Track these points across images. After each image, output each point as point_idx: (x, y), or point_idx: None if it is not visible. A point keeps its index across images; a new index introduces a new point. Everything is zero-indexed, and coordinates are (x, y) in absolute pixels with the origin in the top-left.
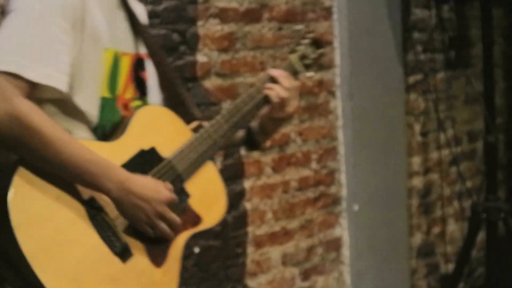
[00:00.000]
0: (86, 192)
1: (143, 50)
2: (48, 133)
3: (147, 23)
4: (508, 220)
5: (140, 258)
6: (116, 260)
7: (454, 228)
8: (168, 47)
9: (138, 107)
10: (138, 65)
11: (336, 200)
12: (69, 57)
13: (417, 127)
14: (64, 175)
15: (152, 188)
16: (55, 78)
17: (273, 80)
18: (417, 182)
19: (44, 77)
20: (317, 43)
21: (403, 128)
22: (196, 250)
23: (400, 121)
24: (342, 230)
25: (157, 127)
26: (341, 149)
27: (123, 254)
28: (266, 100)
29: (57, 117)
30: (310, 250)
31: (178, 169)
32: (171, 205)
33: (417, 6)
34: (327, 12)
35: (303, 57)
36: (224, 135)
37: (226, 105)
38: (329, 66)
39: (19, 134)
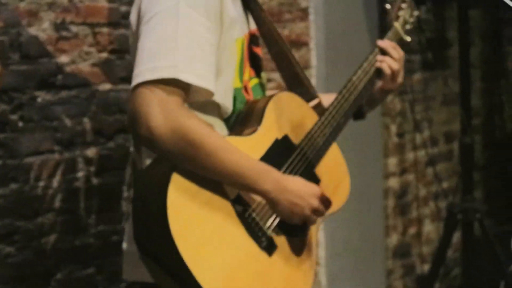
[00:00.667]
0: (232, 191)
1: (253, 25)
2: (211, 144)
3: None
4: (483, 221)
5: (283, 250)
6: (263, 254)
7: (430, 229)
8: None
9: (255, 88)
10: (251, 42)
11: None
12: (214, 57)
13: (394, 128)
14: (224, 182)
15: (304, 184)
16: (207, 79)
17: (382, 51)
18: (393, 183)
19: (198, 79)
20: (412, 5)
21: (380, 129)
22: None
23: (376, 122)
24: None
25: (288, 113)
26: None
27: (269, 248)
28: (379, 73)
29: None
30: None
31: (309, 155)
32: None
33: None
34: (304, 13)
35: (405, 23)
36: (345, 114)
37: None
38: (305, 67)
39: (183, 148)
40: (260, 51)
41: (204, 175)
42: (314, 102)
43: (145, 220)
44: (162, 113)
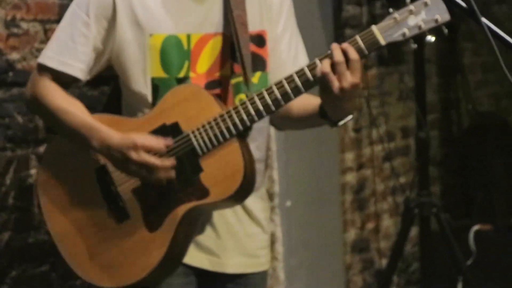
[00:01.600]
0: (99, 160)
1: (256, 27)
2: (52, 105)
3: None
4: (440, 215)
5: (135, 222)
6: (111, 219)
7: (388, 224)
8: None
9: (237, 85)
10: (254, 41)
11: (268, 197)
12: (88, 47)
13: (350, 123)
14: (67, 138)
15: (121, 137)
16: (69, 66)
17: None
18: (351, 178)
19: (60, 65)
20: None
21: None
22: None
23: None
24: (275, 226)
25: (186, 104)
26: (273, 146)
27: (120, 215)
28: (325, 87)
29: (125, 96)
30: None
31: (194, 143)
32: (153, 151)
33: (349, 3)
34: None
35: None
36: (255, 113)
37: None
38: None
39: (36, 108)
40: (262, 51)
41: (58, 133)
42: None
43: None
44: (30, 84)
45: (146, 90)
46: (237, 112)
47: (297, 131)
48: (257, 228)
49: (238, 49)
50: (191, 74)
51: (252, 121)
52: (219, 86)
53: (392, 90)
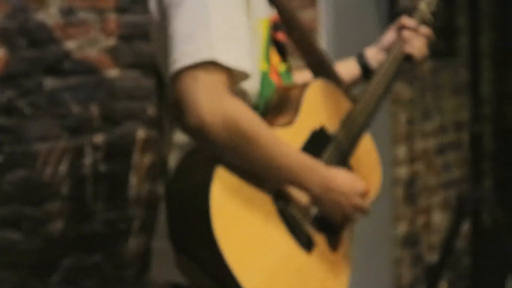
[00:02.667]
0: (272, 186)
1: (273, 12)
2: (264, 136)
3: None
4: (493, 211)
5: (321, 247)
6: (302, 252)
7: (439, 218)
8: None
9: (284, 74)
10: (275, 28)
11: None
12: (248, 37)
13: (403, 116)
14: (270, 177)
15: (349, 182)
16: (244, 62)
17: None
18: (402, 171)
19: (236, 61)
20: None
21: (389, 116)
22: None
23: (385, 109)
24: None
25: (323, 102)
26: None
27: (308, 245)
28: (408, 58)
29: None
30: None
31: (344, 145)
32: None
33: None
34: (312, 0)
35: (429, 3)
36: (377, 102)
37: None
38: None
39: (235, 139)
40: (283, 36)
41: (251, 168)
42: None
43: (185, 216)
44: (210, 100)
45: (256, 86)
46: (371, 100)
47: None
48: None
49: (295, 37)
50: (267, 66)
51: (379, 108)
52: (275, 77)
53: (446, 84)
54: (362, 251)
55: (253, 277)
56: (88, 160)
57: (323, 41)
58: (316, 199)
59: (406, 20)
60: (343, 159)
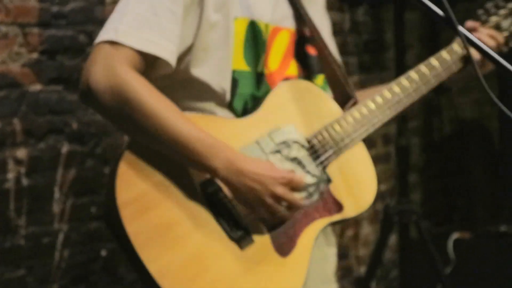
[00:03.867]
0: (202, 174)
1: (309, 28)
2: (151, 105)
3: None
4: (419, 223)
5: (262, 246)
6: (233, 247)
7: (368, 231)
8: (74, 48)
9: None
10: (305, 42)
11: None
12: (177, 27)
13: None
14: (167, 152)
15: (266, 167)
16: (160, 46)
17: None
18: None
19: (142, 43)
20: None
21: None
22: (103, 253)
23: None
24: None
25: (301, 102)
26: None
27: (242, 240)
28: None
29: (179, 95)
30: None
31: (319, 149)
32: (297, 187)
33: (331, 9)
34: None
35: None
36: (386, 117)
37: None
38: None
39: (121, 105)
40: (313, 50)
41: (147, 143)
42: (350, 103)
43: (106, 200)
44: (103, 69)
45: (225, 84)
46: (373, 113)
47: None
48: (332, 249)
49: (323, 51)
50: (265, 70)
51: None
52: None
53: None
54: None
55: (164, 267)
56: (11, 174)
57: None
58: (225, 183)
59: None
60: (315, 165)
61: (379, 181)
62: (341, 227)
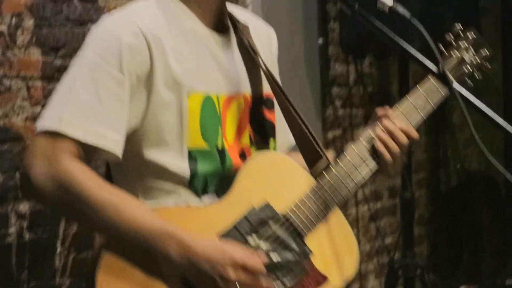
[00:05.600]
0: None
1: (266, 89)
2: (93, 197)
3: (274, 55)
4: (424, 277)
5: None
6: None
7: (373, 285)
8: None
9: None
10: (261, 105)
11: None
12: (124, 114)
13: None
14: (118, 244)
15: (217, 248)
16: (105, 138)
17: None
18: None
19: (87, 135)
20: (480, 41)
21: None
22: None
23: None
24: None
25: (272, 177)
26: None
27: None
28: (376, 155)
29: (134, 175)
30: None
31: (297, 224)
32: (253, 270)
33: (337, 61)
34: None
35: (459, 64)
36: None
37: None
38: None
39: (66, 199)
40: (272, 116)
41: (97, 232)
42: (322, 163)
43: None
44: (45, 162)
45: (183, 165)
46: (337, 180)
47: None
48: None
49: (287, 109)
50: (225, 144)
51: (357, 188)
52: (244, 158)
53: None
54: None
55: None
56: (12, 229)
57: None
58: (181, 271)
59: (382, 112)
60: (296, 240)
61: (385, 234)
62: None
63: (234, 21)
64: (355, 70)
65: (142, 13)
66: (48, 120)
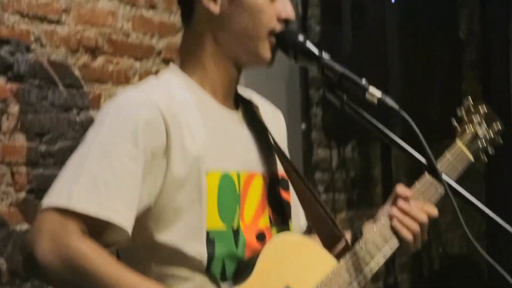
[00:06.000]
0: None
1: (280, 169)
2: (104, 282)
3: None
4: None
5: None
6: None
7: None
8: None
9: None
10: (277, 185)
11: None
12: (137, 190)
13: None
14: None
15: None
16: (114, 212)
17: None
18: None
19: (99, 210)
20: (492, 116)
21: None
22: None
23: None
24: None
25: (292, 260)
26: None
27: None
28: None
29: (144, 260)
30: None
31: None
32: None
33: (319, 146)
34: None
35: (473, 139)
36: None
37: None
38: None
39: (74, 279)
40: (288, 197)
41: None
42: (340, 245)
43: None
44: (51, 241)
45: (200, 248)
46: (358, 260)
47: None
48: None
49: (303, 191)
50: (241, 225)
51: (378, 267)
52: (264, 240)
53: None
54: None
55: None
56: None
57: None
58: None
59: (402, 190)
60: None
61: None
62: None
63: (243, 99)
64: (338, 155)
65: (157, 90)
66: (56, 196)
